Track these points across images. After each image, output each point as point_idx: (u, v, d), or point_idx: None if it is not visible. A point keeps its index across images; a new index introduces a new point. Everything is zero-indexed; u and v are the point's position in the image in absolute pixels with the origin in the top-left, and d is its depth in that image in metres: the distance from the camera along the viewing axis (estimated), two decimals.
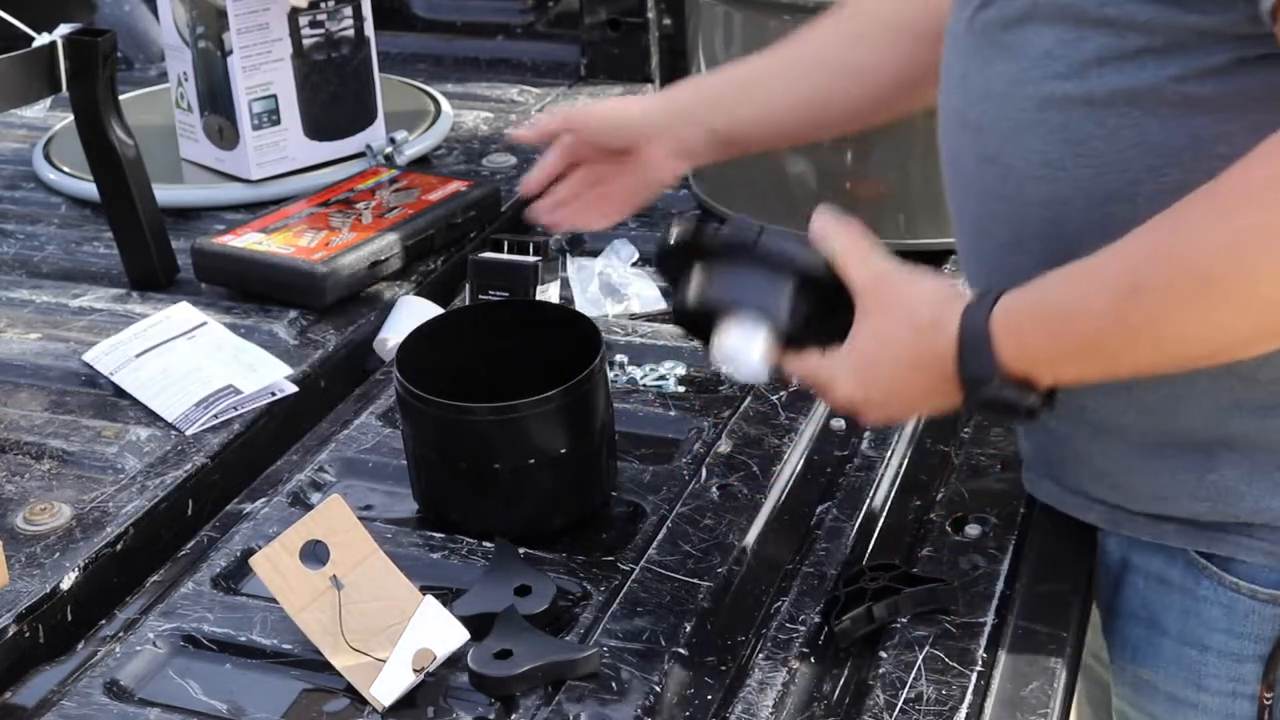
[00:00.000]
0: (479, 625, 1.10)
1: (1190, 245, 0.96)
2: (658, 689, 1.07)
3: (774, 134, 1.43)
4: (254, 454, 1.41)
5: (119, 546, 1.26)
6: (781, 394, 1.32)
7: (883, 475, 1.32)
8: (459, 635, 1.09)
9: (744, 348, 1.10)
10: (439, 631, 1.08)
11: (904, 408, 1.17)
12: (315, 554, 1.12)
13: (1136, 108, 1.02)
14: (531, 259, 1.56)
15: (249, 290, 1.64)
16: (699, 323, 1.15)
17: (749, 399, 1.42)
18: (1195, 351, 1.00)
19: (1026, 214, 1.10)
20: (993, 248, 1.15)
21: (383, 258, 1.64)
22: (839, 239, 1.12)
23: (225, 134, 1.89)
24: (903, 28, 1.33)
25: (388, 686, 1.06)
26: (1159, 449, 1.13)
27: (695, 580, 1.18)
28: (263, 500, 1.32)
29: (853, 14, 1.37)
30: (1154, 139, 1.01)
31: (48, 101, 2.00)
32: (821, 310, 1.11)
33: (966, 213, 1.18)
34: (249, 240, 1.65)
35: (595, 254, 1.73)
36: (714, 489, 1.29)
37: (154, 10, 2.23)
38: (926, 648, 1.10)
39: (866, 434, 1.38)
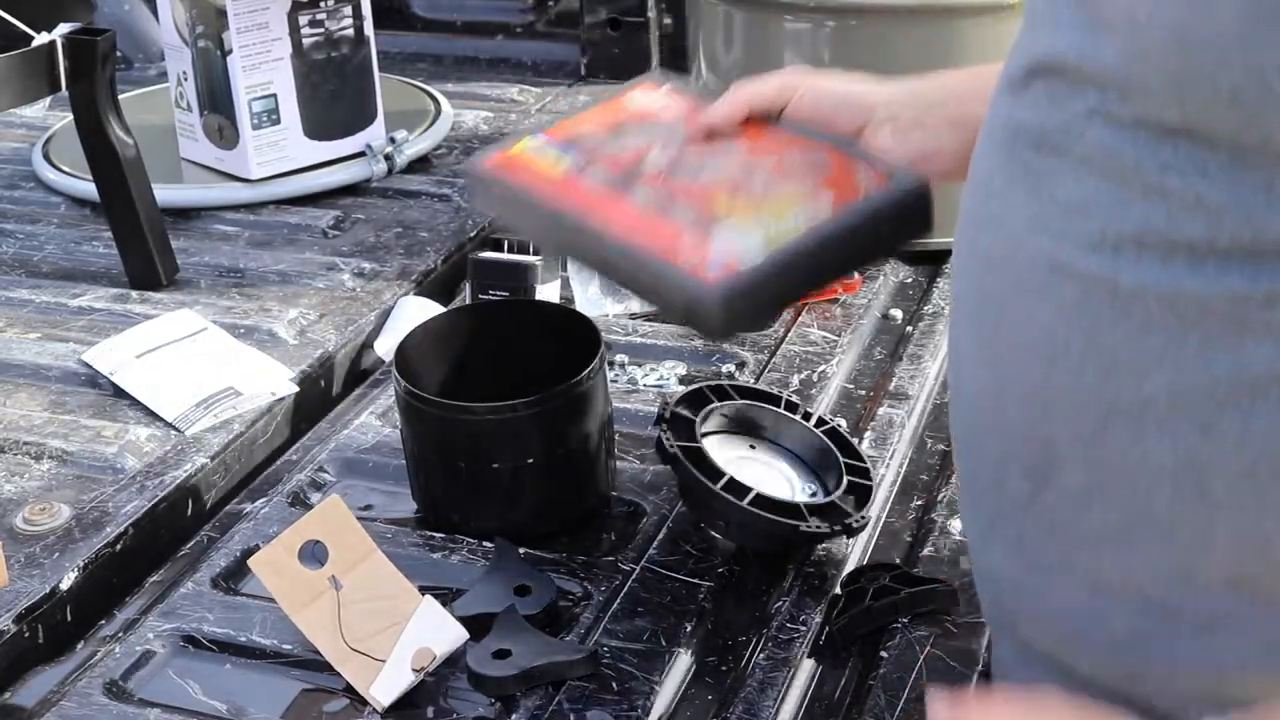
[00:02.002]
0: (478, 625, 1.10)
1: None
2: (658, 689, 1.07)
3: None
4: (254, 454, 1.41)
5: (118, 546, 1.25)
6: (783, 392, 1.32)
7: (883, 475, 1.31)
8: (458, 635, 1.09)
9: None
10: (438, 631, 1.08)
11: None
12: (314, 554, 1.12)
13: (1173, 314, 0.76)
14: (531, 258, 1.56)
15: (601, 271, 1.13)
16: None
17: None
18: None
19: (1013, 381, 0.85)
20: (972, 388, 0.90)
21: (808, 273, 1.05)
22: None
23: (225, 133, 1.89)
24: None
25: (387, 686, 1.05)
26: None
27: (696, 580, 1.18)
28: (263, 500, 1.32)
29: None
30: (1187, 358, 0.76)
31: (47, 101, 2.00)
32: None
33: (962, 312, 0.92)
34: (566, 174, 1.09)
35: None
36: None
37: (153, 9, 2.23)
38: (928, 648, 1.10)
39: (867, 434, 1.38)
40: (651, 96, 1.15)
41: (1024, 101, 0.82)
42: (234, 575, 1.21)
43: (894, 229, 1.04)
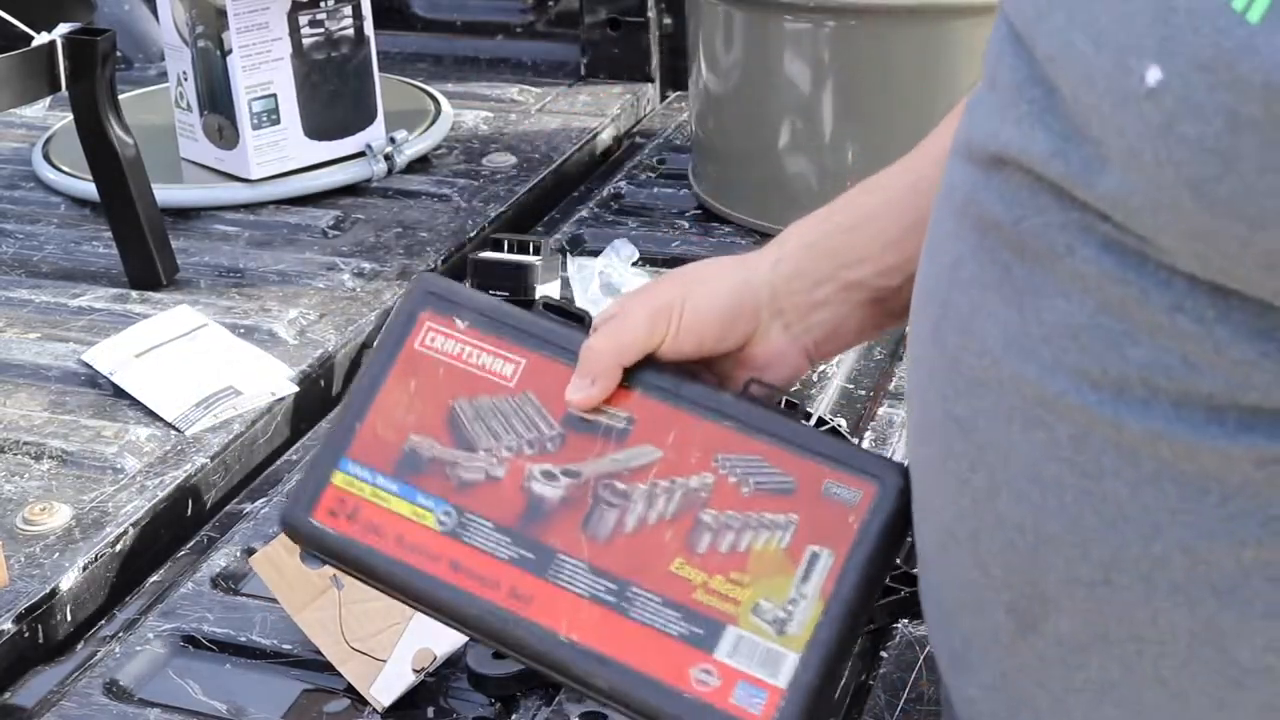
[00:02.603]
0: None
1: None
2: None
3: None
4: (254, 454, 1.41)
5: (118, 546, 1.25)
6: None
7: None
8: (458, 635, 1.08)
9: None
10: (438, 631, 1.08)
11: None
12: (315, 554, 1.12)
13: (1190, 465, 0.64)
14: (532, 258, 1.56)
15: None
16: None
17: None
18: None
19: (990, 515, 0.72)
20: (937, 509, 0.77)
21: None
22: None
23: (225, 133, 1.89)
24: None
25: (387, 686, 1.05)
26: None
27: None
28: (263, 500, 1.32)
29: None
30: (1206, 516, 0.64)
31: (47, 101, 2.00)
32: None
33: (920, 415, 0.77)
34: None
35: (595, 254, 1.73)
36: None
37: (153, 9, 2.23)
38: (928, 648, 1.10)
39: (868, 433, 1.38)
40: (454, 344, 0.86)
41: (992, 186, 0.69)
42: (234, 575, 1.21)
43: (901, 538, 0.81)
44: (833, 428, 1.27)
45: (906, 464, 0.80)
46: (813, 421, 1.27)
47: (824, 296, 0.89)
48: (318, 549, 0.85)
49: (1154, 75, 0.60)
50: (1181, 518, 0.64)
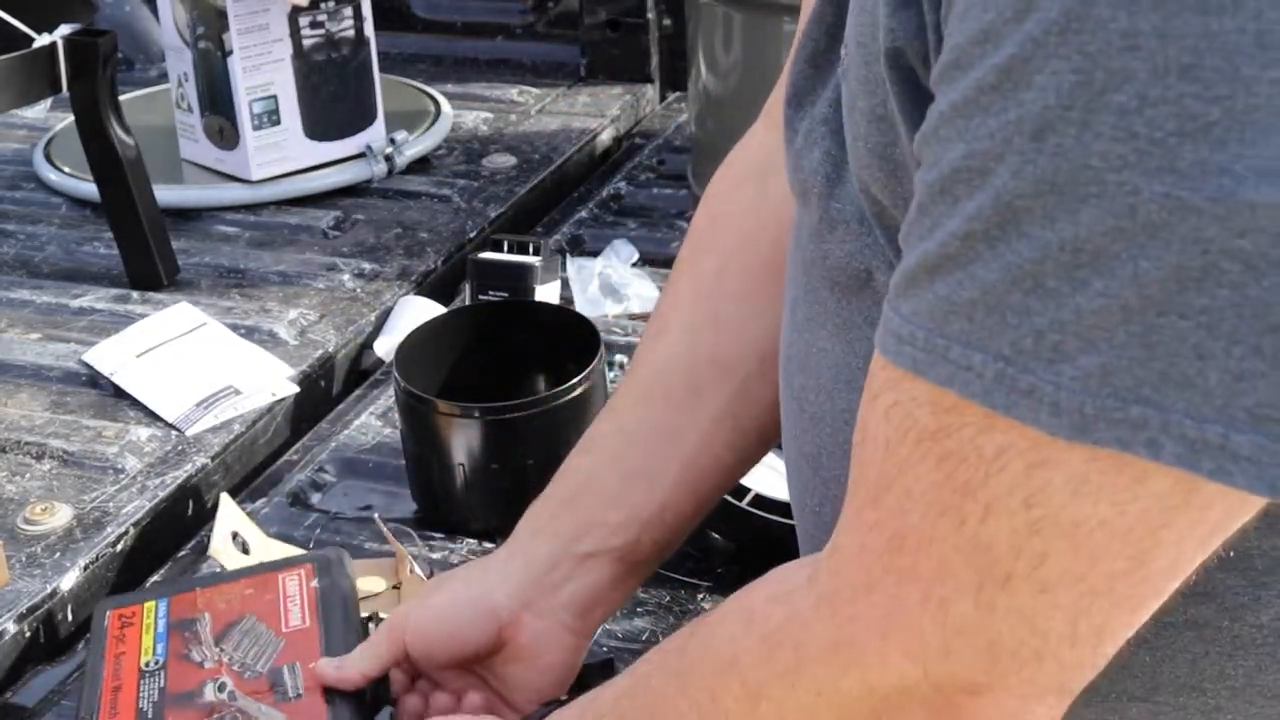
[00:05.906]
0: None
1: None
2: None
3: (676, 529, 0.95)
4: (254, 454, 1.41)
5: (119, 546, 1.26)
6: None
7: None
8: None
9: None
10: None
11: None
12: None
13: None
14: (531, 259, 1.57)
15: None
16: None
17: None
18: None
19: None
20: (801, 530, 0.83)
21: None
22: None
23: (225, 134, 1.90)
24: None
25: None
26: None
27: (695, 580, 1.18)
28: (263, 500, 1.32)
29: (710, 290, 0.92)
30: None
31: (48, 102, 2.00)
32: None
33: (788, 448, 0.81)
34: None
35: (595, 254, 1.73)
36: None
37: (154, 10, 2.24)
38: None
39: None
40: (296, 589, 1.00)
41: (804, 224, 0.72)
42: None
43: None
44: None
45: None
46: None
47: (563, 575, 0.91)
48: (90, 633, 1.01)
49: (845, 57, 0.66)
50: None
